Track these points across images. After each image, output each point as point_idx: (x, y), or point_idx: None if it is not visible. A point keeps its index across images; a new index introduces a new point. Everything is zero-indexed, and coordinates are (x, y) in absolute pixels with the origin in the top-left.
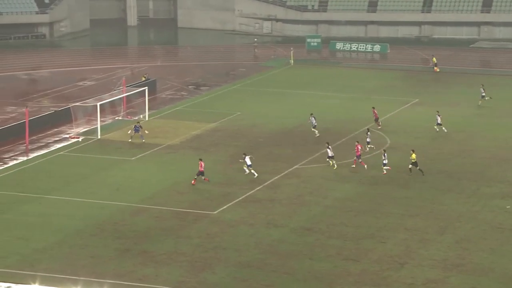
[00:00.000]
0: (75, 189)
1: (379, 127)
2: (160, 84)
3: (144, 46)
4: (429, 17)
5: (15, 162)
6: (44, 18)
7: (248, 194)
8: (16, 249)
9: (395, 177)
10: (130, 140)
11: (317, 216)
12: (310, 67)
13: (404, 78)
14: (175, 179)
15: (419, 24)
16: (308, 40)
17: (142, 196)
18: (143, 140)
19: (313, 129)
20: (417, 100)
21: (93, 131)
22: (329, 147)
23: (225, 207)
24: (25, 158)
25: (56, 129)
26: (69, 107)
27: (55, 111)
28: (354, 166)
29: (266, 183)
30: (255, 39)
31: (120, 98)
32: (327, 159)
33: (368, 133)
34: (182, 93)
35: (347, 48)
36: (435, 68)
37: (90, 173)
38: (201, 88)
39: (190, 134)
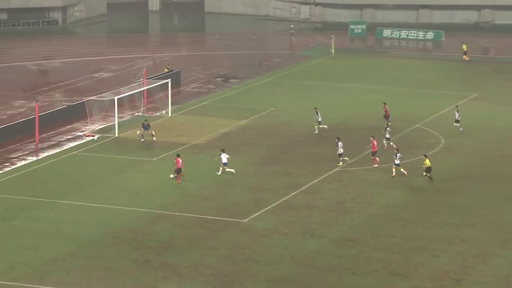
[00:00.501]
0: (90, 193)
1: (388, 127)
2: (185, 76)
3: (167, 33)
4: (490, 0)
5: (23, 162)
6: (56, 1)
7: (282, 200)
8: (24, 260)
9: (451, 183)
10: (142, 140)
11: (360, 225)
12: (353, 57)
13: (460, 69)
14: (200, 183)
15: (478, 8)
16: (351, 26)
17: (164, 201)
18: (142, 140)
19: (316, 125)
20: (475, 94)
21: (110, 129)
22: (340, 143)
23: (256, 214)
24: (34, 158)
25: (69, 126)
26: (84, 101)
27: (68, 106)
28: (376, 165)
29: (302, 188)
30: (292, 26)
31: (140, 91)
32: (340, 159)
33: (388, 129)
34: (209, 86)
35: (396, 35)
36: (464, 56)
37: (106, 175)
38: (230, 80)
39: (218, 132)
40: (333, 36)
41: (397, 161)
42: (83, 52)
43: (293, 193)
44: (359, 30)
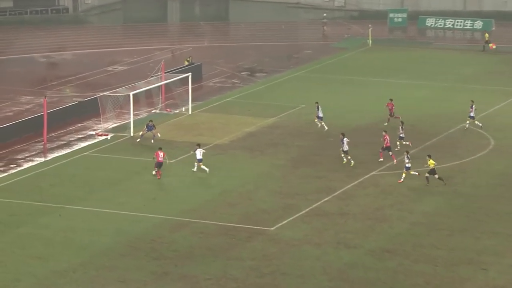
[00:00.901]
0: (103, 198)
1: (386, 124)
2: (207, 69)
3: (188, 22)
4: None
5: (30, 164)
6: None
7: (313, 206)
8: (31, 271)
9: (500, 188)
10: (138, 140)
11: (400, 235)
12: (392, 48)
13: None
14: (223, 187)
15: None
16: (391, 15)
17: (184, 207)
18: (152, 141)
19: (316, 121)
20: None
21: (124, 127)
22: (345, 139)
23: (285, 222)
24: (42, 160)
25: (80, 124)
26: (96, 97)
27: (79, 102)
28: (381, 159)
29: (336, 193)
30: (324, 14)
31: (158, 86)
32: (342, 155)
33: (402, 126)
34: (234, 80)
35: (440, 25)
36: (491, 45)
37: (120, 178)
38: (257, 74)
39: (243, 132)
40: (370, 25)
41: (408, 165)
42: (95, 43)
43: (326, 199)
44: (400, 19)
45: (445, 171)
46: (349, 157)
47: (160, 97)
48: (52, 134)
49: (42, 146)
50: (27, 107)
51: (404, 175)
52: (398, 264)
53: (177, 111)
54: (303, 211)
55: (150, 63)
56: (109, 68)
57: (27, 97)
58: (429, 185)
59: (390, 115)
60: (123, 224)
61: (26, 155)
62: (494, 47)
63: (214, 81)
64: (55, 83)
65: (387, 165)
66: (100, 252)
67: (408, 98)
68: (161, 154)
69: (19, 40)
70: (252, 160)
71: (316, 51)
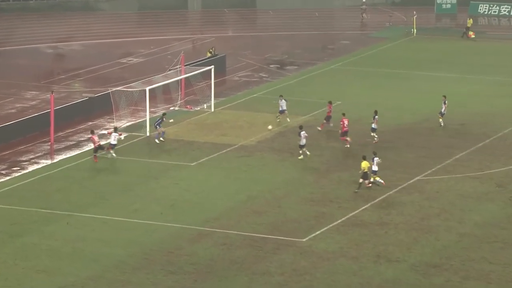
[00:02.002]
0: (115, 205)
1: (322, 125)
2: (231, 62)
3: (210, 9)
4: None
5: (36, 167)
6: None
7: (350, 215)
8: (35, 285)
9: None
10: (159, 139)
11: (448, 248)
12: (439, 38)
13: None
14: (249, 193)
15: None
16: (439, 0)
17: (205, 215)
18: (158, 140)
19: (278, 115)
20: None
21: (139, 126)
22: (302, 132)
23: (318, 232)
24: (49, 162)
25: (90, 123)
26: (109, 92)
27: (90, 98)
28: (348, 145)
29: (376, 201)
30: (364, 0)
31: (177, 81)
32: (300, 151)
33: (376, 116)
34: (261, 74)
35: (494, 11)
36: (470, 33)
37: (135, 183)
38: (287, 67)
39: (271, 131)
40: (415, 12)
41: (374, 167)
42: (108, 33)
43: (364, 207)
44: (448, 5)
45: (499, 177)
46: (306, 151)
47: (180, 93)
48: (60, 134)
49: (48, 147)
50: (32, 103)
51: (371, 179)
52: (445, 281)
53: (198, 108)
54: (338, 221)
55: (168, 54)
56: (123, 60)
57: (32, 92)
58: (488, 189)
59: (326, 119)
60: (137, 234)
61: (31, 156)
62: (473, 36)
63: (239, 74)
64: (63, 77)
65: (433, 169)
66: (112, 265)
67: (456, 93)
68: (95, 138)
69: (23, 29)
70: (281, 163)
71: (353, 42)
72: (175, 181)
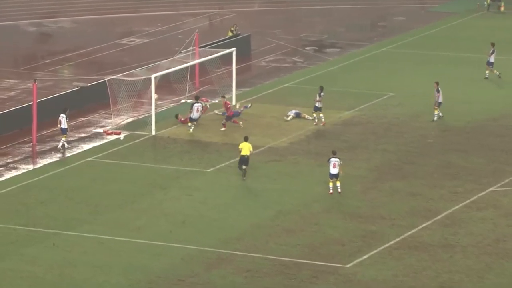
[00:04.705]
0: (113, 221)
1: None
2: (258, 43)
3: None
4: None
5: (14, 173)
6: None
7: (406, 234)
8: None
9: None
10: (191, 130)
11: None
12: None
13: None
14: (279, 206)
15: None
16: None
17: (225, 235)
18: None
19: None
20: None
21: (143, 123)
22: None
23: (365, 256)
24: (30, 167)
25: (82, 119)
26: (105, 81)
27: (81, 87)
28: (224, 128)
29: (438, 217)
30: None
31: (189, 67)
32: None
33: (320, 93)
34: (294, 58)
35: None
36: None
37: (137, 193)
38: (327, 50)
39: (307, 130)
40: None
41: (333, 171)
42: (104, 6)
43: (423, 225)
44: None
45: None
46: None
47: (193, 82)
48: (44, 132)
49: (30, 149)
50: (10, 94)
51: (331, 184)
52: None
53: (216, 100)
54: (391, 242)
55: (179, 34)
56: (123, 41)
57: (10, 80)
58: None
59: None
60: (140, 258)
61: (8, 161)
62: (502, 9)
63: (267, 59)
64: (47, 61)
65: (511, 178)
66: None
67: None
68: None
69: (1, 3)
70: (320, 169)
71: (410, 18)
72: (187, 192)
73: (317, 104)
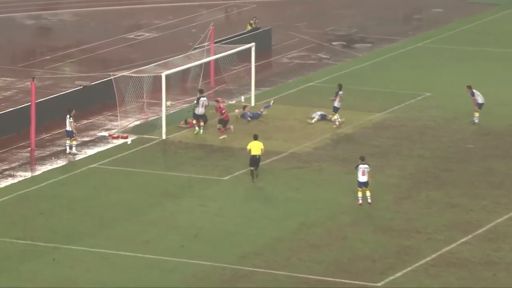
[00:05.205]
0: (119, 234)
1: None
2: (279, 37)
3: None
4: None
5: (10, 181)
6: None
7: (444, 250)
8: None
9: None
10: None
11: None
12: None
13: None
14: (303, 218)
15: None
16: None
17: (242, 249)
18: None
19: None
20: None
21: (152, 126)
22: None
23: (399, 274)
24: (28, 175)
25: (85, 121)
26: (111, 79)
27: (85, 87)
28: (224, 136)
29: (480, 231)
30: None
31: (203, 64)
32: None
33: (338, 91)
34: (320, 54)
35: None
36: None
37: (146, 204)
38: (356, 46)
39: (333, 133)
40: None
41: (362, 179)
42: None
43: (463, 239)
44: None
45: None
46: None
47: (208, 80)
48: (44, 136)
49: (28, 154)
50: (6, 94)
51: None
52: None
53: (233, 101)
54: (427, 258)
55: (193, 27)
56: (130, 36)
57: (6, 79)
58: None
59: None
60: (149, 275)
61: (5, 167)
62: None
63: (290, 55)
64: (47, 57)
65: None
66: None
67: None
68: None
69: None
70: (348, 177)
71: (448, 9)
72: (201, 202)
73: (336, 104)
